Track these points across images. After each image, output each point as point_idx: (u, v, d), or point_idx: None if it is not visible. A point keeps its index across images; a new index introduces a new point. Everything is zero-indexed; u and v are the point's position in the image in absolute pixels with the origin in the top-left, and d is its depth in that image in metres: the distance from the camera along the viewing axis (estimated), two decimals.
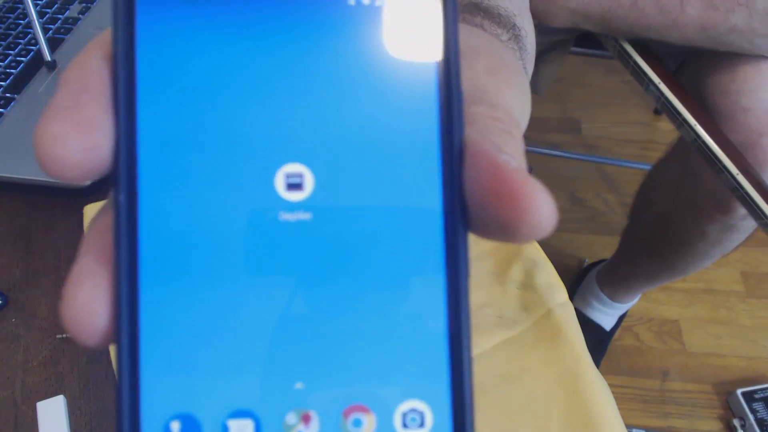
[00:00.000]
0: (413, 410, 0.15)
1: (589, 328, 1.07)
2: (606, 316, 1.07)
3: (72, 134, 0.14)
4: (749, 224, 0.66)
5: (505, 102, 0.19)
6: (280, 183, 0.15)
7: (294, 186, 0.15)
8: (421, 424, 0.15)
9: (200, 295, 0.14)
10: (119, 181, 0.14)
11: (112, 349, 0.24)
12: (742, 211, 0.59)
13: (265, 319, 0.15)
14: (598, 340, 1.09)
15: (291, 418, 0.14)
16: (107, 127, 0.14)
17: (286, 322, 0.15)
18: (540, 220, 0.14)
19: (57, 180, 0.14)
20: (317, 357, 0.15)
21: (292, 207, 0.15)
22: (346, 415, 0.15)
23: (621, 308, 1.07)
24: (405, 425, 0.15)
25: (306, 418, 0.15)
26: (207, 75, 0.15)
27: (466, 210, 0.15)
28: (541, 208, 0.14)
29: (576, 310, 1.09)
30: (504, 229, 0.14)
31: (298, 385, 0.15)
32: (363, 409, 0.15)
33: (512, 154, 0.15)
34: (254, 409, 0.14)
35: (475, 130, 0.15)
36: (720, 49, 0.49)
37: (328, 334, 0.15)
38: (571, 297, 1.10)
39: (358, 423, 0.15)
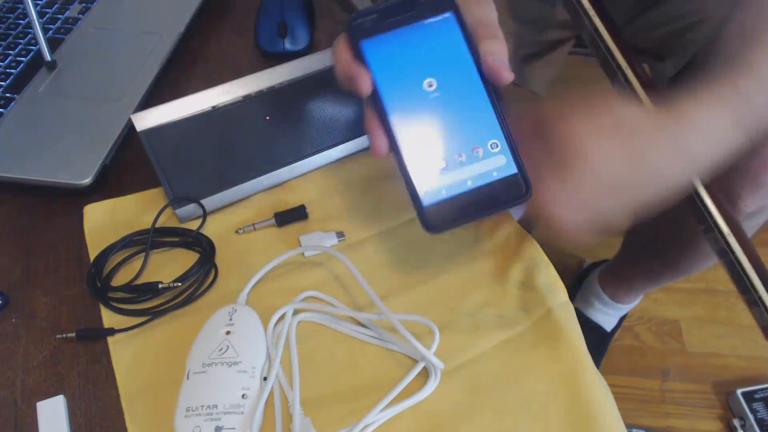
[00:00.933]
0: (494, 143, 0.39)
1: (589, 328, 1.07)
2: (607, 316, 1.07)
3: None
4: (753, 223, 0.65)
5: (489, 17, 0.40)
6: (426, 84, 0.39)
7: (431, 85, 0.39)
8: (499, 149, 0.39)
9: (420, 126, 0.39)
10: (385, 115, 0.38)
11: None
12: (746, 209, 0.59)
13: (439, 122, 0.39)
14: (598, 340, 1.09)
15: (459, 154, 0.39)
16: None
17: (446, 124, 0.38)
18: (508, 77, 0.38)
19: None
20: (457, 132, 0.39)
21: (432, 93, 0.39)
22: (473, 150, 0.38)
23: (623, 309, 1.06)
24: (492, 149, 0.39)
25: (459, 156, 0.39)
26: (398, 66, 0.39)
27: (489, 83, 0.39)
28: (506, 73, 0.38)
29: (577, 310, 1.09)
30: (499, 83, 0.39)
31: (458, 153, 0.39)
32: (478, 147, 0.38)
33: (496, 51, 0.39)
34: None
35: (481, 45, 0.39)
36: None
37: (458, 126, 0.39)
38: (572, 297, 1.10)
39: (478, 152, 0.39)
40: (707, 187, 0.43)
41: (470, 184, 0.38)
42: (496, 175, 0.38)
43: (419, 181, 0.38)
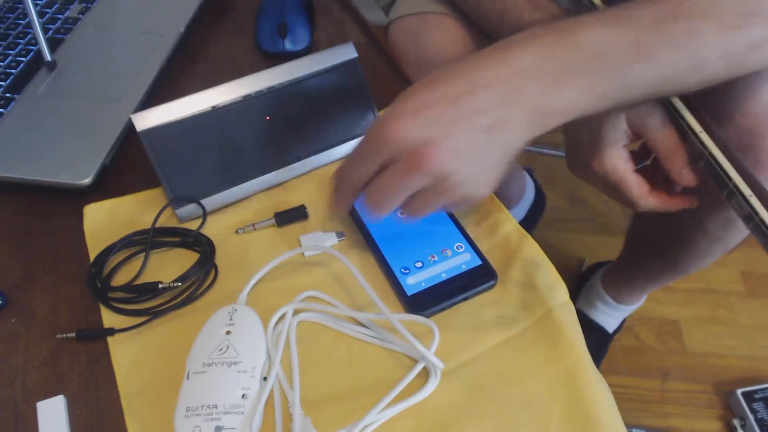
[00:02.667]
0: (459, 245, 0.49)
1: (591, 329, 1.07)
2: (610, 318, 1.07)
3: None
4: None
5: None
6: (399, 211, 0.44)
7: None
8: (464, 249, 0.49)
9: (398, 238, 0.50)
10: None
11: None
12: None
13: (412, 235, 0.50)
14: (599, 341, 1.09)
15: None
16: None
17: (418, 235, 0.50)
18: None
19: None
20: (427, 240, 0.50)
21: None
22: (442, 252, 0.49)
23: (625, 310, 1.06)
24: (458, 249, 0.49)
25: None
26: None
27: None
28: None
29: (580, 311, 1.09)
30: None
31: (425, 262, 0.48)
32: (446, 249, 0.49)
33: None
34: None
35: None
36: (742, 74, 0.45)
37: (427, 236, 0.50)
38: (575, 298, 1.10)
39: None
40: (724, 150, 0.42)
41: (444, 276, 0.47)
42: (464, 267, 0.47)
43: (402, 277, 0.47)
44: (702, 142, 0.42)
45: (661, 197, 0.48)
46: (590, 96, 0.40)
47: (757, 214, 0.40)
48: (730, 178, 0.41)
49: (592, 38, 0.39)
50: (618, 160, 0.47)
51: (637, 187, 0.48)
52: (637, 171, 0.49)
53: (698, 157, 0.44)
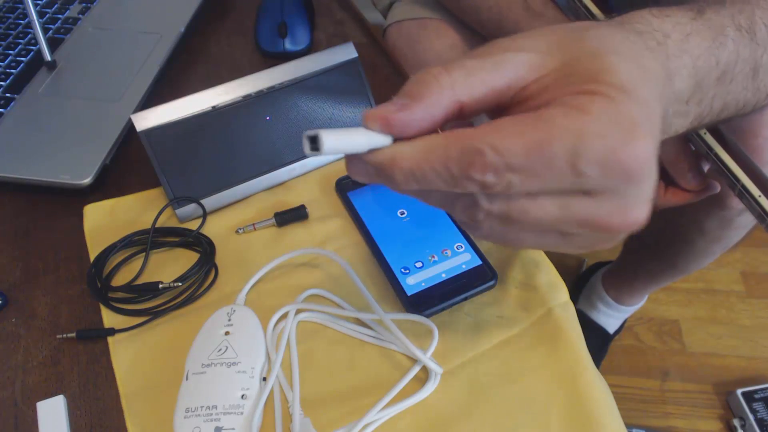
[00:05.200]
0: (459, 245, 0.49)
1: (592, 330, 1.07)
2: (611, 319, 1.07)
3: None
4: (748, 219, 0.66)
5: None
6: (399, 213, 0.51)
7: (402, 213, 0.51)
8: (464, 249, 0.48)
9: (398, 239, 0.49)
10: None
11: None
12: (739, 205, 0.59)
13: (412, 235, 0.50)
14: (600, 342, 1.09)
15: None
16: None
17: (418, 236, 0.50)
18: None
19: None
20: (427, 240, 0.49)
21: None
22: (442, 252, 0.48)
23: (626, 311, 1.06)
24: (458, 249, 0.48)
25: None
26: (377, 203, 0.52)
27: None
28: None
29: (581, 312, 1.09)
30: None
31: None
32: (446, 249, 0.49)
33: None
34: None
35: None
36: None
37: (427, 236, 0.49)
38: (576, 298, 1.10)
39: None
40: (730, 150, 0.41)
41: (444, 276, 0.47)
42: (464, 267, 0.47)
43: (402, 277, 0.47)
44: (707, 144, 0.42)
45: (679, 193, 0.47)
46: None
47: None
48: (738, 180, 0.41)
49: None
50: None
51: None
52: None
53: (705, 158, 0.43)
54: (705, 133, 0.42)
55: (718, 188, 0.47)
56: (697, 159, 0.45)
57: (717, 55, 0.33)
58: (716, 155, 0.42)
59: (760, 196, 0.40)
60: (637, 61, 0.26)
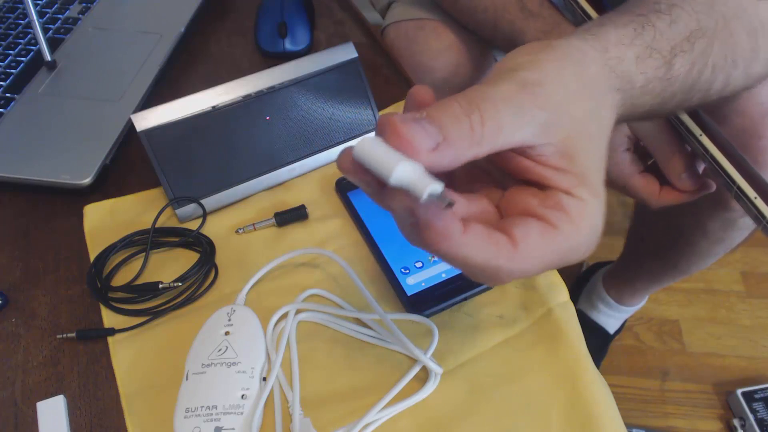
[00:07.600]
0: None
1: (592, 330, 1.07)
2: (611, 319, 1.07)
3: None
4: (750, 221, 0.65)
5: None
6: None
7: None
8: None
9: (397, 240, 0.48)
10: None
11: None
12: (734, 206, 0.59)
13: None
14: (600, 342, 1.09)
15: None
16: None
17: None
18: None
19: None
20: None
21: None
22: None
23: (627, 311, 1.06)
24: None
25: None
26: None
27: None
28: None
29: (581, 312, 1.09)
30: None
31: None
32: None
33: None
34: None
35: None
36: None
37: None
38: (576, 298, 1.10)
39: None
40: (725, 152, 0.41)
41: (444, 276, 0.47)
42: None
43: (402, 277, 0.47)
44: (703, 146, 0.42)
45: (674, 193, 0.47)
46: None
47: (764, 217, 0.40)
48: (734, 181, 0.41)
49: None
50: (620, 166, 0.47)
51: (645, 189, 0.47)
52: (649, 167, 0.48)
53: (701, 160, 0.43)
54: (701, 135, 0.42)
55: (714, 187, 0.47)
56: (691, 159, 0.45)
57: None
58: (712, 157, 0.42)
59: (756, 198, 0.40)
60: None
